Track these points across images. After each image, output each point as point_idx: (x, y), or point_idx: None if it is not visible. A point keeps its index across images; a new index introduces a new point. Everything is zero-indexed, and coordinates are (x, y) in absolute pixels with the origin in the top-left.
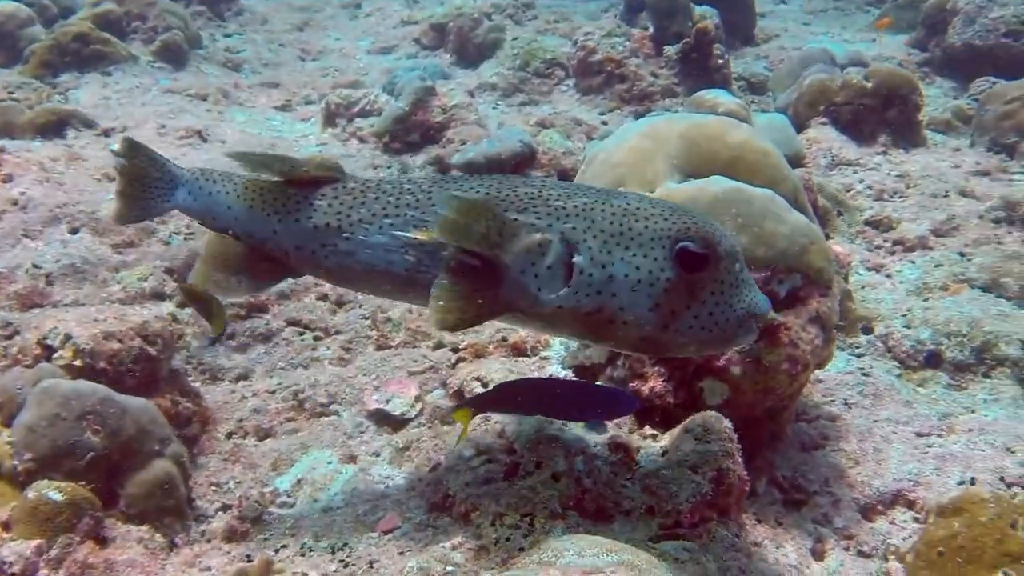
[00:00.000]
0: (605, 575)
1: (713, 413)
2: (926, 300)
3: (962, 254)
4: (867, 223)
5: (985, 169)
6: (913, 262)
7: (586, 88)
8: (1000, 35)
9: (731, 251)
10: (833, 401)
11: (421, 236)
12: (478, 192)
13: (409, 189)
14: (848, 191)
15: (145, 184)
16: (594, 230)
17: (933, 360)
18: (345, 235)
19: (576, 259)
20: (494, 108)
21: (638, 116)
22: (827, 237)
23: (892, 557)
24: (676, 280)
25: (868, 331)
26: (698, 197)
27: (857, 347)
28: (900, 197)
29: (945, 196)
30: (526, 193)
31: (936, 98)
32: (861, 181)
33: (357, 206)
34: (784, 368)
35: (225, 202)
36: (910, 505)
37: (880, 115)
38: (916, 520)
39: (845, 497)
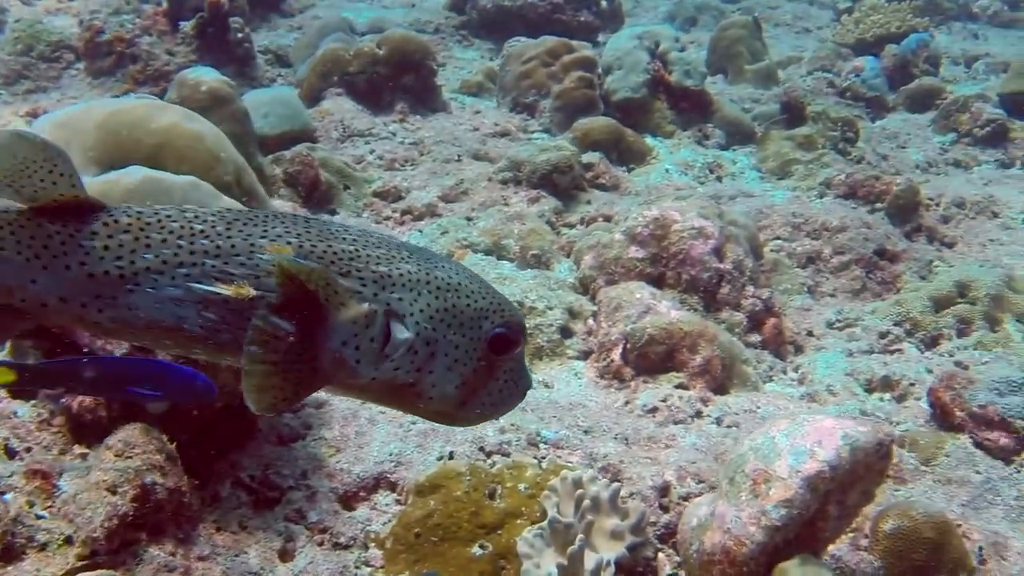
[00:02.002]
0: None
1: (140, 425)
2: None
3: (469, 219)
4: (376, 194)
5: (505, 130)
6: (421, 231)
7: (97, 71)
8: None
9: (526, 332)
10: None
11: (229, 292)
12: (289, 243)
13: (202, 231)
14: (359, 163)
15: None
16: (421, 303)
17: None
18: (128, 286)
19: (404, 335)
20: None
21: (160, 96)
22: (332, 212)
23: (372, 544)
24: (483, 362)
25: None
26: (110, 191)
27: None
28: (412, 165)
29: (458, 161)
30: (344, 251)
31: (472, 61)
32: (372, 151)
33: (142, 250)
34: (226, 364)
35: None
36: (392, 487)
37: (395, 82)
38: (398, 502)
39: (323, 488)
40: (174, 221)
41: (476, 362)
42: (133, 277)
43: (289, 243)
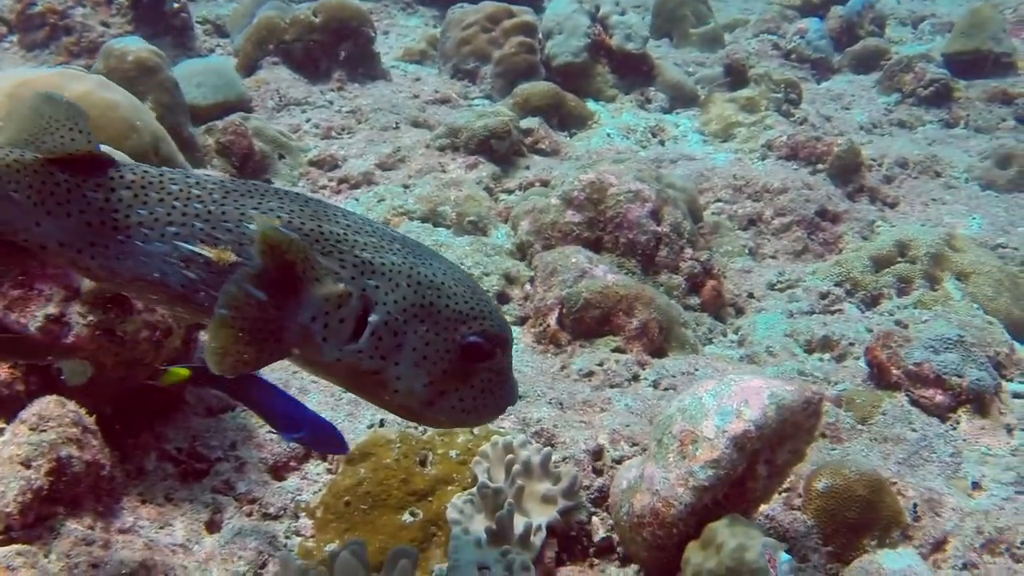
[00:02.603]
0: None
1: (54, 397)
2: None
3: (405, 186)
4: (312, 163)
5: (445, 97)
6: (357, 199)
7: (30, 44)
8: None
9: (509, 343)
10: None
11: (210, 255)
12: (279, 217)
13: (198, 195)
14: (295, 132)
15: None
16: (396, 295)
17: None
18: (120, 238)
19: (371, 319)
20: None
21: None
22: (268, 182)
23: (303, 514)
24: (456, 365)
25: None
26: None
27: None
28: (349, 133)
29: (396, 128)
30: (332, 232)
31: (416, 28)
32: (308, 120)
33: (138, 205)
34: (144, 336)
35: None
36: (323, 457)
37: (333, 50)
38: (329, 471)
39: (252, 459)
40: (175, 184)
41: (448, 364)
42: (125, 230)
43: (279, 218)
